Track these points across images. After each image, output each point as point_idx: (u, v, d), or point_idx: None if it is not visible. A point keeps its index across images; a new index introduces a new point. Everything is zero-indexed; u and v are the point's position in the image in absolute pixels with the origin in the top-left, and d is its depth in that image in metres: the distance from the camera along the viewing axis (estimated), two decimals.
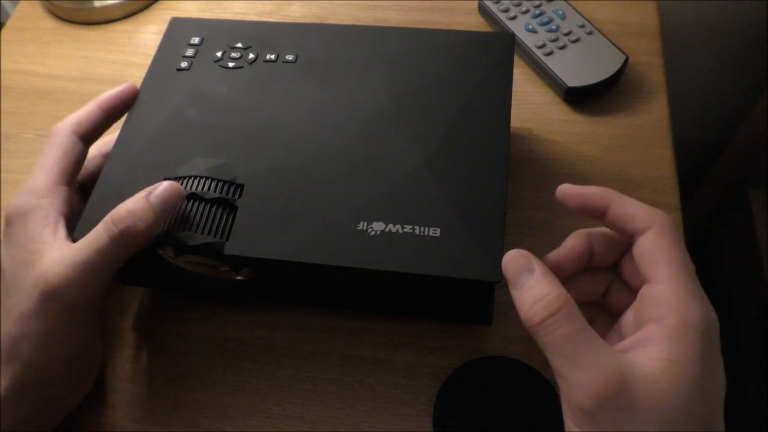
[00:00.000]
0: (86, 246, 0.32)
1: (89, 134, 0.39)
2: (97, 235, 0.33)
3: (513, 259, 0.30)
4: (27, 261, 0.33)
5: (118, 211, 0.33)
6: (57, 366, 0.34)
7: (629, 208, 0.30)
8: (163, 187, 0.34)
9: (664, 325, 0.27)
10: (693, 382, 0.26)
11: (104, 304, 0.36)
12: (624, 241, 0.32)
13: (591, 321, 0.33)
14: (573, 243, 0.32)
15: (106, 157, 0.39)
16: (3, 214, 0.36)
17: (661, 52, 0.52)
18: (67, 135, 0.37)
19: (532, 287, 0.29)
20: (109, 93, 0.40)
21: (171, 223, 0.35)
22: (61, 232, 0.34)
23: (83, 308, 0.33)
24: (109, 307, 0.42)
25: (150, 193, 0.33)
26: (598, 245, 0.32)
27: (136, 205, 0.33)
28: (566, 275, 0.33)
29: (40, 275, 0.32)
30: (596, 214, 0.32)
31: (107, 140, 0.41)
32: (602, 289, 0.33)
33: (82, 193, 0.38)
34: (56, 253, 0.33)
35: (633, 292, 0.32)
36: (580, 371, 0.26)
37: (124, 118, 0.40)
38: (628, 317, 0.31)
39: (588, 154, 0.47)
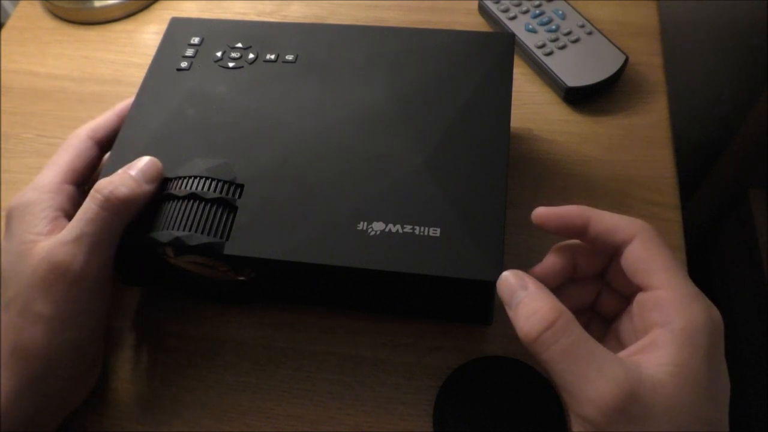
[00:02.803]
0: (78, 220, 0.33)
1: (105, 140, 0.40)
2: (86, 207, 0.34)
3: (506, 281, 0.30)
4: (22, 252, 0.33)
5: (100, 182, 0.34)
6: (62, 354, 0.33)
7: (609, 221, 0.30)
8: (142, 161, 0.36)
9: (670, 330, 0.27)
10: (700, 385, 0.26)
11: (110, 289, 0.36)
12: (608, 251, 0.32)
13: (586, 326, 0.33)
14: (555, 256, 0.32)
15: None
16: (5, 210, 0.36)
17: (661, 52, 0.52)
18: (83, 138, 0.39)
19: (526, 303, 0.28)
20: (126, 102, 0.41)
21: (171, 223, 0.35)
22: (59, 226, 0.34)
23: (90, 286, 0.33)
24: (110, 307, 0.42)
25: (130, 167, 0.36)
26: (581, 257, 0.32)
27: (116, 176, 0.35)
28: (551, 289, 0.33)
29: (42, 260, 0.32)
30: (576, 233, 0.31)
31: None
32: (592, 298, 0.33)
33: None
34: (52, 239, 0.33)
35: (623, 297, 0.32)
36: (587, 385, 0.26)
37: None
38: (625, 324, 0.31)
39: (588, 154, 0.47)
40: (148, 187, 0.35)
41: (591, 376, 0.26)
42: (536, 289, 0.29)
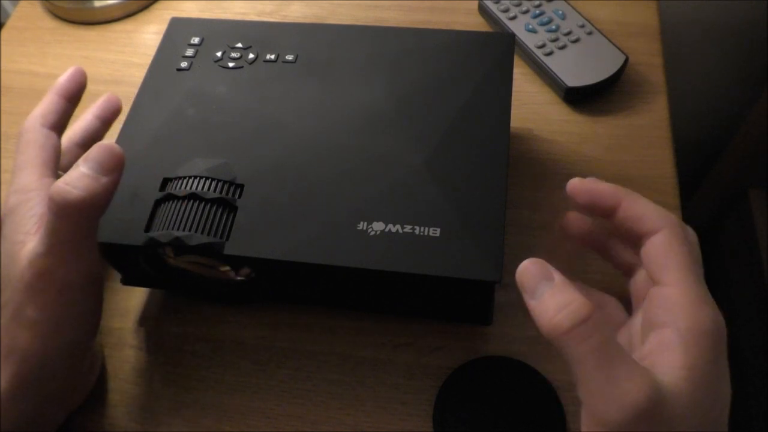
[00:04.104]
0: (44, 230, 0.31)
1: (57, 123, 0.38)
2: (46, 218, 0.31)
3: (529, 268, 0.28)
4: (13, 254, 0.32)
5: (54, 186, 0.31)
6: (57, 357, 0.33)
7: (640, 209, 0.30)
8: (94, 150, 0.32)
9: (677, 330, 0.27)
10: (709, 388, 0.26)
11: (101, 288, 0.35)
12: (631, 237, 0.31)
13: None
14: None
15: (80, 146, 0.39)
16: None
17: (661, 52, 0.52)
18: (38, 129, 0.36)
19: (555, 295, 0.27)
20: (62, 79, 0.39)
21: (171, 223, 0.35)
22: None
23: (78, 290, 0.32)
24: (109, 307, 0.42)
25: (84, 158, 0.32)
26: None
27: (70, 175, 0.31)
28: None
29: (26, 267, 0.31)
30: (604, 213, 0.31)
31: (74, 129, 0.41)
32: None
33: None
34: (31, 245, 0.32)
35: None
36: (615, 385, 0.25)
37: (124, 118, 0.40)
38: (638, 317, 0.31)
39: (588, 154, 0.47)
40: (106, 180, 0.31)
41: (621, 377, 0.25)
42: (563, 281, 0.28)
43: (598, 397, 0.26)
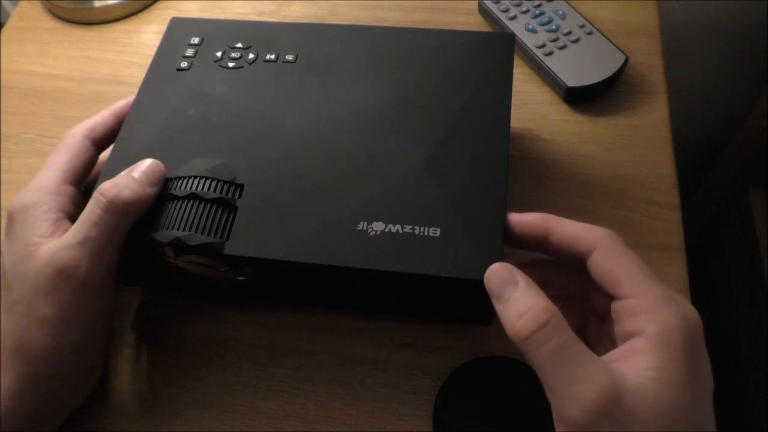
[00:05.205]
0: (82, 223, 0.33)
1: (102, 140, 0.40)
2: (89, 211, 0.33)
3: (495, 274, 0.30)
4: (26, 254, 0.33)
5: (104, 184, 0.34)
6: (66, 355, 0.33)
7: (570, 231, 0.30)
8: (144, 163, 0.36)
9: (646, 336, 0.27)
10: (681, 387, 0.26)
11: (114, 292, 0.36)
12: (573, 263, 0.31)
13: (583, 324, 0.33)
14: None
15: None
16: (6, 211, 0.36)
17: (661, 52, 0.52)
18: (80, 138, 0.38)
19: (518, 300, 0.28)
20: (123, 101, 0.41)
21: (171, 223, 0.35)
22: (62, 228, 0.34)
23: (94, 289, 0.33)
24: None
25: (132, 168, 0.35)
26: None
27: (120, 178, 0.35)
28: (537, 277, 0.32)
29: (47, 263, 0.32)
30: (538, 244, 0.31)
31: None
32: (580, 285, 0.33)
33: (87, 197, 0.38)
34: (56, 241, 0.33)
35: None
36: (573, 386, 0.26)
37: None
38: (613, 326, 0.31)
39: (588, 154, 0.47)
40: (151, 190, 0.35)
41: (578, 378, 0.26)
42: (527, 286, 0.29)
43: (560, 399, 0.26)
